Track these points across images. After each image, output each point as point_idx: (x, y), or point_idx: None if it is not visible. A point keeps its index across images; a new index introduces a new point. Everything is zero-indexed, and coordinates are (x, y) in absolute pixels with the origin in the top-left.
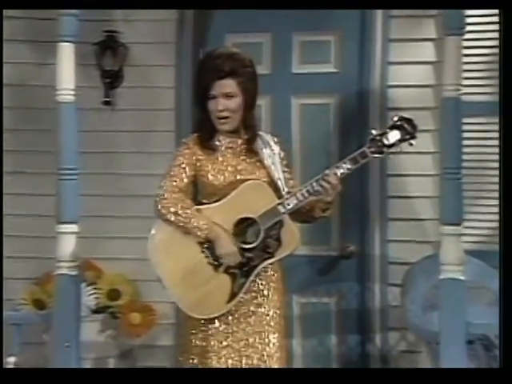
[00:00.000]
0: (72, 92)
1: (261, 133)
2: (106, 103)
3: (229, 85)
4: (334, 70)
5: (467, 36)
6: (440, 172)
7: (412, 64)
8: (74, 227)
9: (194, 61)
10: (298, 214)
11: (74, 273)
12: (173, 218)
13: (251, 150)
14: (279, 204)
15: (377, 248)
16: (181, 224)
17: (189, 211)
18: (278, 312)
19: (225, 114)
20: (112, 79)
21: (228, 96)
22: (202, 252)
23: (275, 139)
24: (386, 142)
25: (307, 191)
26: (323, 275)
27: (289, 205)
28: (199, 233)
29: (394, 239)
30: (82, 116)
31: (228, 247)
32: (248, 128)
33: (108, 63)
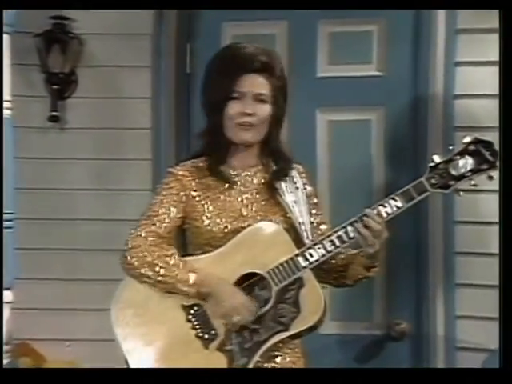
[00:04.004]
0: (6, 104)
1: None
2: (53, 119)
3: (262, 83)
4: (377, 74)
5: None
6: None
7: (489, 65)
8: (6, 295)
9: (178, 60)
10: (328, 273)
11: (5, 360)
12: (149, 272)
13: (265, 184)
14: (299, 255)
15: (439, 326)
16: (159, 279)
17: (171, 261)
18: None
19: (252, 120)
20: (61, 86)
21: (259, 99)
22: (188, 321)
23: (299, 168)
24: (453, 172)
25: (339, 238)
26: (363, 363)
27: (312, 256)
28: (186, 288)
29: (464, 314)
30: (20, 137)
31: (236, 297)
32: (278, 158)
33: (56, 63)
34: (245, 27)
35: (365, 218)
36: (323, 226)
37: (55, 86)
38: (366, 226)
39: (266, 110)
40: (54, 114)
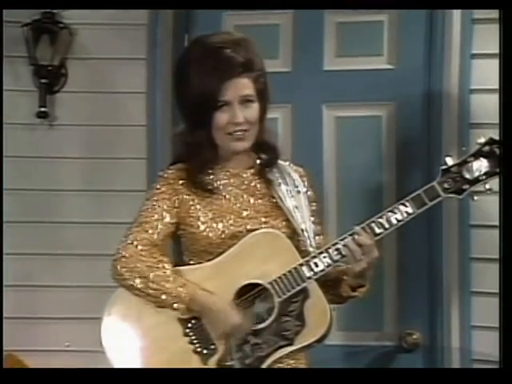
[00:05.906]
0: None
1: (279, 161)
2: (42, 115)
3: (246, 85)
4: (388, 67)
5: None
6: None
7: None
8: None
9: (175, 52)
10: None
11: None
12: (139, 285)
13: (264, 187)
14: (303, 264)
15: (454, 337)
16: (150, 292)
17: (163, 273)
18: None
19: (243, 127)
20: (50, 79)
21: (246, 101)
22: (186, 335)
23: (301, 171)
24: (467, 175)
25: (345, 246)
26: None
27: (317, 266)
28: (177, 305)
29: (480, 324)
30: (7, 135)
31: (232, 317)
32: (263, 149)
33: (45, 55)
34: (247, 17)
35: (356, 236)
36: (319, 239)
37: (44, 80)
38: (355, 242)
39: (254, 110)
40: (43, 109)
